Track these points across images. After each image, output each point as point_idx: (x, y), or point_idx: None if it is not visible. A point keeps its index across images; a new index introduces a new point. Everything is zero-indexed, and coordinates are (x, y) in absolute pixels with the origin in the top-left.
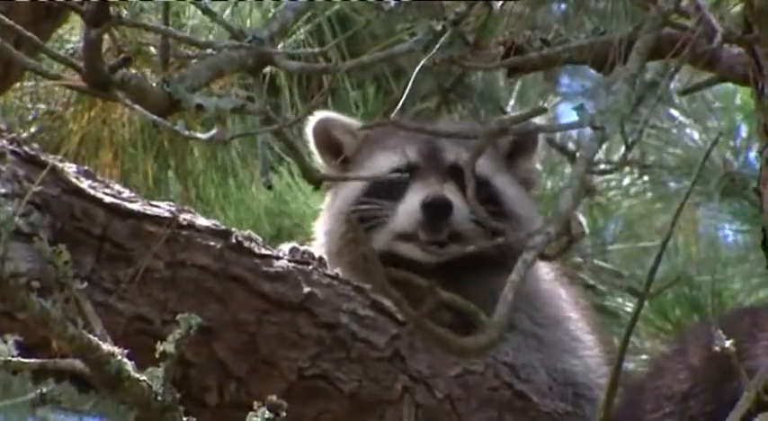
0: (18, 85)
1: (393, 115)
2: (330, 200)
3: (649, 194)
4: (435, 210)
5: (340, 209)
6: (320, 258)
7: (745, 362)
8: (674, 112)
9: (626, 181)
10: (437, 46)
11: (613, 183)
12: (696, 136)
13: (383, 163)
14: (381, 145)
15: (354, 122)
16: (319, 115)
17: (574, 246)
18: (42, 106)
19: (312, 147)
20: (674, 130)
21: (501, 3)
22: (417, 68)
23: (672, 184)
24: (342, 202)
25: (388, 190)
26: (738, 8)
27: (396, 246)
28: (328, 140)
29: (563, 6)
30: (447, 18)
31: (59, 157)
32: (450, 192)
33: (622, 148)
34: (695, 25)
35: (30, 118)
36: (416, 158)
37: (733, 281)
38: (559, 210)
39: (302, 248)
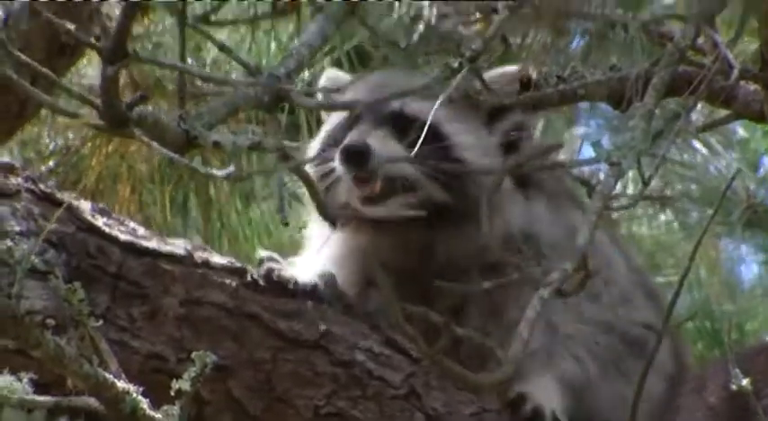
0: (36, 119)
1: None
2: None
3: (673, 225)
4: (350, 157)
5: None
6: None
7: (762, 400)
8: (697, 144)
9: (649, 211)
10: (454, 83)
11: (636, 214)
12: (719, 167)
13: (340, 114)
14: (347, 97)
15: (347, 77)
16: (329, 71)
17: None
18: (60, 141)
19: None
20: (698, 161)
21: (518, 39)
22: (435, 106)
23: (694, 215)
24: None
25: (336, 141)
26: (754, 46)
27: (348, 197)
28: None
29: (580, 43)
30: (464, 55)
31: (75, 195)
32: (378, 138)
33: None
34: (712, 62)
35: (48, 153)
36: (362, 108)
37: (756, 314)
38: (576, 245)
39: (276, 272)
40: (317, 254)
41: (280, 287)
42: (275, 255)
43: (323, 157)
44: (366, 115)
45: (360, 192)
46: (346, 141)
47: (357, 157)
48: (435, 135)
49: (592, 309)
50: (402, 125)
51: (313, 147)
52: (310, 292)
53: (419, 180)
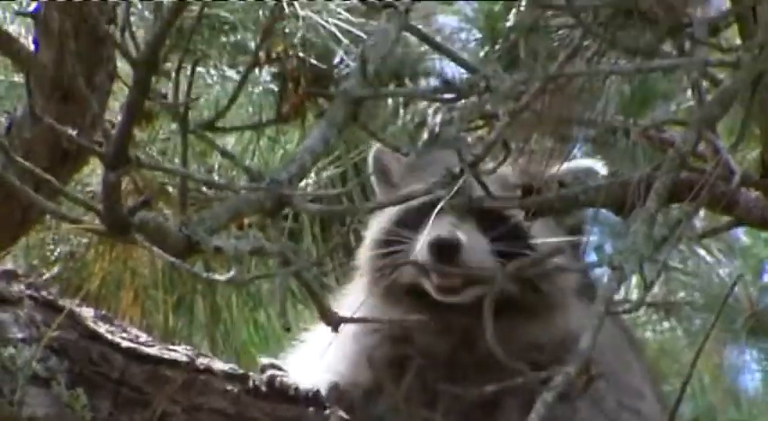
0: (40, 226)
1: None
2: (370, 226)
3: (677, 332)
4: (441, 251)
5: (372, 236)
6: (335, 389)
7: None
8: (701, 251)
9: (653, 318)
10: (455, 189)
11: (640, 321)
12: (722, 274)
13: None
14: (417, 174)
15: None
16: (377, 145)
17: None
18: (64, 247)
19: (371, 176)
20: (701, 268)
21: (520, 144)
22: (435, 211)
23: (698, 322)
24: (374, 231)
25: (414, 220)
26: (754, 153)
27: (419, 279)
28: (381, 167)
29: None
30: (464, 160)
31: (77, 302)
32: (466, 232)
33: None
34: (713, 168)
35: (52, 259)
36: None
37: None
38: (579, 349)
39: (278, 378)
40: (320, 358)
41: (281, 393)
42: (277, 362)
43: (402, 232)
44: (448, 203)
45: (440, 281)
46: (436, 234)
47: (448, 252)
48: (517, 230)
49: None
50: (485, 218)
51: (386, 217)
52: (312, 399)
53: (497, 273)
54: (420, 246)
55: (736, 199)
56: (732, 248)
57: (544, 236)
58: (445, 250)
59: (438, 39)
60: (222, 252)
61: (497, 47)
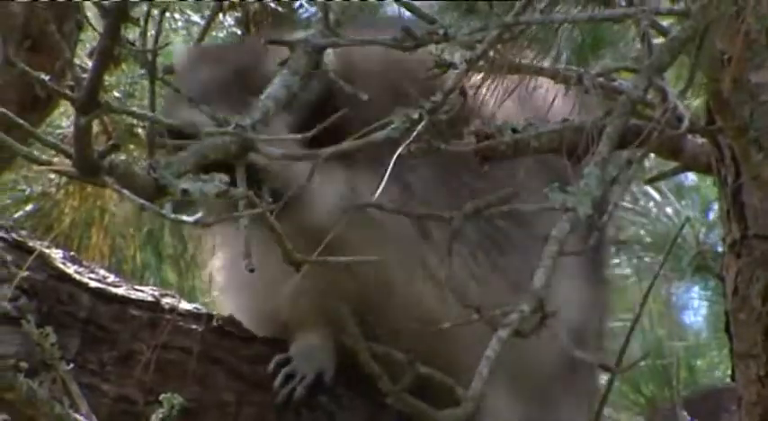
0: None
1: None
2: None
3: (626, 270)
4: None
5: None
6: None
7: None
8: (651, 191)
9: None
10: (413, 134)
11: None
12: (670, 214)
13: None
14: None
15: None
16: None
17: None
18: (36, 188)
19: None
20: (650, 208)
21: (474, 92)
22: (395, 155)
23: (647, 260)
24: None
25: None
26: (700, 101)
27: None
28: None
29: None
30: (423, 107)
31: (47, 243)
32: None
33: None
34: (662, 113)
35: (24, 199)
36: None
37: (704, 353)
38: (533, 288)
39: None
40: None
41: (242, 332)
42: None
43: None
44: None
45: None
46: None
47: None
48: None
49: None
50: None
51: None
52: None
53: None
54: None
55: (683, 145)
56: (680, 189)
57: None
58: None
59: None
60: (189, 194)
61: None
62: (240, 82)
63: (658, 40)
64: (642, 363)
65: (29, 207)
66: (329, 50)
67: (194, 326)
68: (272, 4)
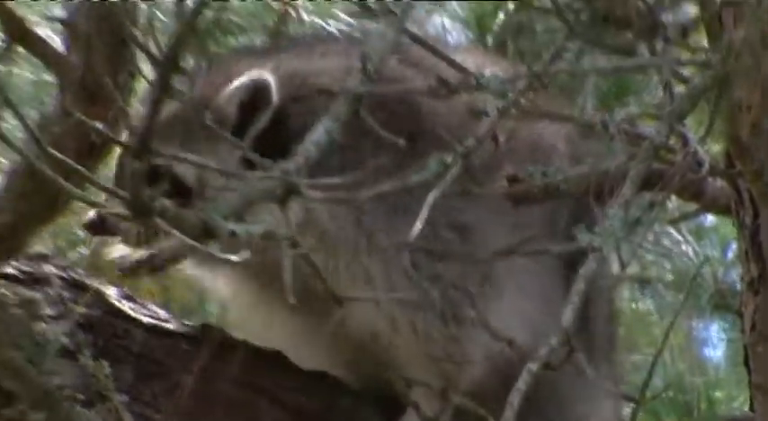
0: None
1: None
2: None
3: (649, 307)
4: None
5: None
6: None
7: None
8: (673, 232)
9: (627, 294)
10: (447, 177)
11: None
12: (690, 254)
13: None
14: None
15: None
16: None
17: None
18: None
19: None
20: (671, 248)
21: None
22: (429, 198)
23: (668, 298)
24: None
25: None
26: (718, 146)
27: None
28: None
29: None
30: (457, 151)
31: (102, 281)
32: None
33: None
34: (683, 158)
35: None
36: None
37: (723, 385)
38: (561, 323)
39: None
40: None
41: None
42: None
43: None
44: None
45: None
46: None
47: None
48: None
49: None
50: None
51: None
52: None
53: None
54: None
55: (704, 188)
56: (700, 229)
57: None
58: None
59: (432, 35)
60: (236, 235)
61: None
62: (200, 116)
63: (680, 89)
64: (664, 395)
65: (82, 249)
66: None
67: (236, 356)
68: None
